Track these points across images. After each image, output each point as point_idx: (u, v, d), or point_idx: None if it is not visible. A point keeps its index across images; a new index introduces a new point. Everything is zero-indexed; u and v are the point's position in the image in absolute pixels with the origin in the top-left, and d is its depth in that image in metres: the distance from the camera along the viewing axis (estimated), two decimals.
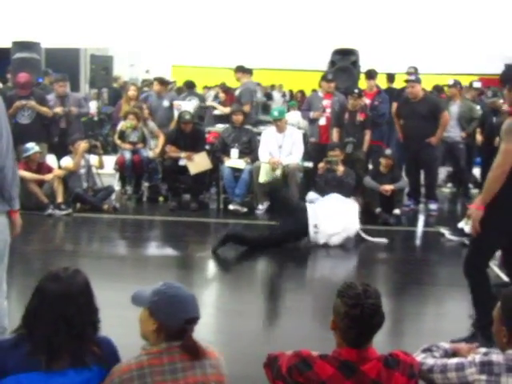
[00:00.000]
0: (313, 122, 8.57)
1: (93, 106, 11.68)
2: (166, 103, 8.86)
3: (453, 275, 5.03)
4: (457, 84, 8.75)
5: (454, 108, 8.55)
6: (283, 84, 17.65)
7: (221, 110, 9.55)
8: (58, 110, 8.08)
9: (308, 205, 6.50)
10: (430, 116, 7.60)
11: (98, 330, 2.22)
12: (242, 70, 9.26)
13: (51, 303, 2.11)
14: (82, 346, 2.11)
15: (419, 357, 2.43)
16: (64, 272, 2.20)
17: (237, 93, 9.22)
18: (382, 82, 10.12)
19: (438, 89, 9.91)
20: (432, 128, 7.62)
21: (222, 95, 10.38)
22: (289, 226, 6.21)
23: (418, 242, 7.05)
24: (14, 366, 2.07)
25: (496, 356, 2.23)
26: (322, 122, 8.32)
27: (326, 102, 8.31)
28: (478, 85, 8.53)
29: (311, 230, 6.14)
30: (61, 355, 2.08)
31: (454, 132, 8.47)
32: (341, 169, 7.36)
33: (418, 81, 7.72)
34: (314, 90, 10.10)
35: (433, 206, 7.93)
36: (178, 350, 2.16)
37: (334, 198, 6.65)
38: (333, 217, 6.22)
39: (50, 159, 8.24)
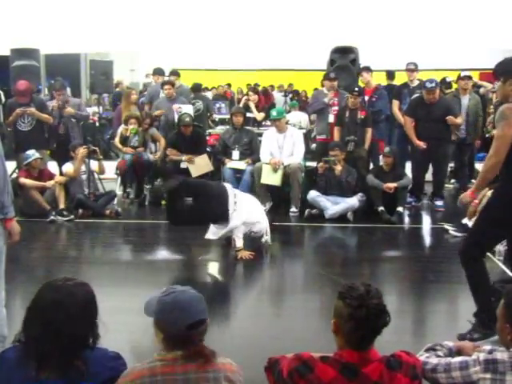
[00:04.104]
0: (321, 118, 8.49)
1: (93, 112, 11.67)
2: (175, 106, 8.84)
3: (458, 272, 4.98)
4: (470, 78, 8.71)
5: (465, 101, 8.46)
6: (284, 84, 17.62)
7: (255, 115, 9.77)
8: (54, 103, 8.08)
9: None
10: (444, 119, 7.59)
11: (90, 346, 2.13)
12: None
13: (41, 309, 2.08)
14: (68, 359, 2.05)
15: (423, 356, 2.40)
16: (64, 281, 2.16)
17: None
18: (381, 79, 10.07)
19: (444, 83, 9.72)
20: (446, 129, 7.70)
21: (254, 97, 10.29)
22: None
23: (422, 239, 7.02)
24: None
25: (501, 354, 2.20)
26: (331, 119, 8.25)
27: (334, 100, 8.25)
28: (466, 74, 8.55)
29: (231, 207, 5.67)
30: (49, 363, 2.04)
31: (462, 129, 8.40)
32: (339, 168, 7.33)
33: (437, 86, 7.63)
34: (316, 89, 10.08)
35: (439, 203, 7.88)
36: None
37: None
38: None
39: (51, 166, 8.24)
